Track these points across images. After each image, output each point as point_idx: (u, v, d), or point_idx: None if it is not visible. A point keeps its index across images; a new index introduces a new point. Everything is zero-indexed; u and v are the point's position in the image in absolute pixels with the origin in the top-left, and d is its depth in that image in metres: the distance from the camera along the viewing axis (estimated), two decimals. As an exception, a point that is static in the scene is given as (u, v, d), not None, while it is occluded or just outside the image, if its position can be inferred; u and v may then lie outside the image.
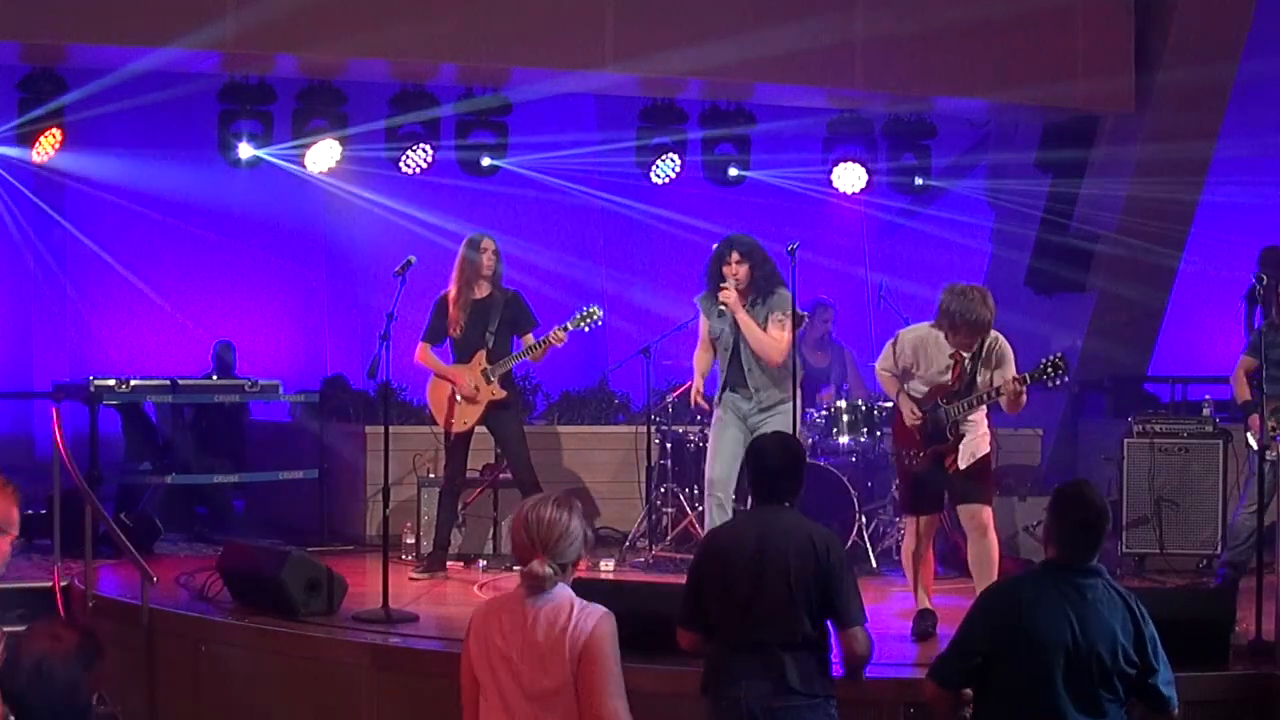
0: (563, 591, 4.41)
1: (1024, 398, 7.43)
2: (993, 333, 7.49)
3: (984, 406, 7.58)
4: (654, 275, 12.92)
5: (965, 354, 7.45)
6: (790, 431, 7.90)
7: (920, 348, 7.59)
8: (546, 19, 10.36)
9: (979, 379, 7.49)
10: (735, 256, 8.31)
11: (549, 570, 4.35)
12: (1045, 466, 11.22)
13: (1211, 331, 12.40)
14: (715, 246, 8.51)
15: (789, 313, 8.22)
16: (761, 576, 5.15)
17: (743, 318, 8.24)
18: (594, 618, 4.34)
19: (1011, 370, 7.46)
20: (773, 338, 8.22)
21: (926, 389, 7.60)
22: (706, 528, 8.40)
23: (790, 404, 8.19)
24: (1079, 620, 4.78)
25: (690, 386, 8.85)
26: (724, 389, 8.39)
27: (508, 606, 4.44)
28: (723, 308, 8.29)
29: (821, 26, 10.58)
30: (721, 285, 8.27)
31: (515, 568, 9.64)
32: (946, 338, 7.43)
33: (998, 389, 7.38)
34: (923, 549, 7.59)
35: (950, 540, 8.90)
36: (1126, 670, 4.82)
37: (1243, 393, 8.50)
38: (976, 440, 7.58)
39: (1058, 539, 4.94)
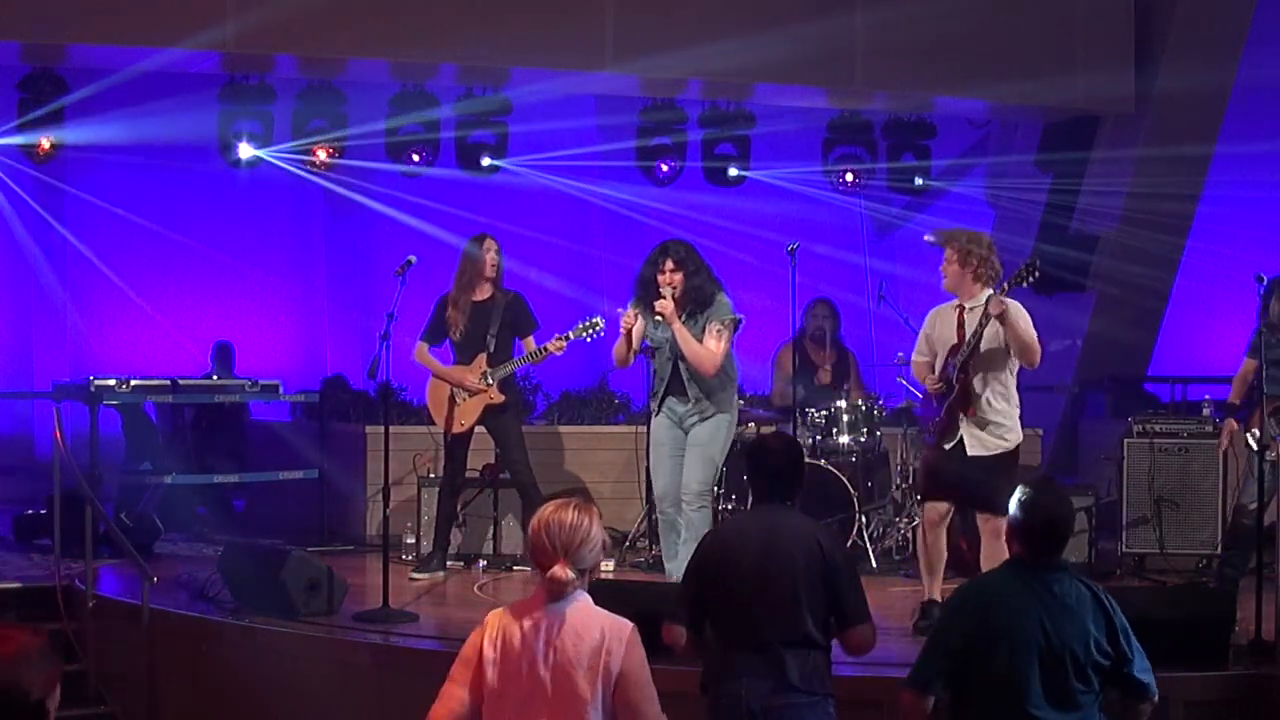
0: (584, 599, 4.41)
1: (1024, 336, 7.33)
2: (999, 299, 7.41)
3: (1009, 386, 7.54)
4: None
5: (968, 304, 7.48)
6: (725, 436, 8.15)
7: (938, 316, 7.73)
8: (546, 19, 10.36)
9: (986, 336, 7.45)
10: (670, 264, 8.00)
11: (571, 575, 4.35)
12: (1045, 466, 11.22)
13: (1211, 331, 12.40)
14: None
15: (727, 322, 8.03)
16: (767, 575, 5.16)
17: (678, 328, 7.96)
18: (625, 634, 4.35)
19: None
20: (707, 349, 7.98)
21: (942, 357, 7.61)
22: (663, 543, 8.35)
23: (728, 414, 8.16)
24: (1049, 616, 4.80)
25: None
26: (663, 395, 8.17)
27: (528, 613, 4.41)
28: (659, 318, 8.02)
29: (821, 27, 10.59)
30: (659, 294, 7.99)
31: (515, 568, 9.72)
32: (957, 285, 7.53)
33: (986, 314, 7.33)
34: (934, 537, 7.61)
35: (952, 542, 8.89)
36: (1100, 662, 4.84)
37: (1233, 398, 8.46)
38: (998, 424, 7.49)
39: (1024, 537, 4.95)
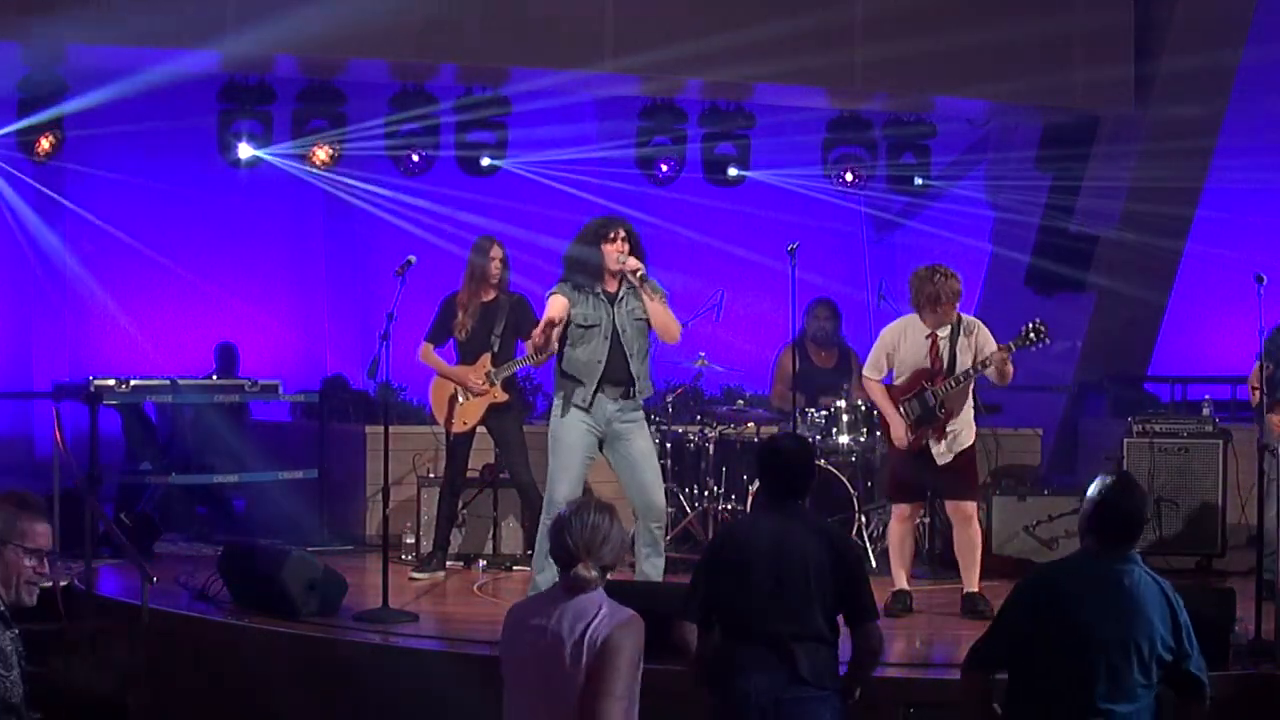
0: (600, 593, 4.54)
1: (1010, 366, 7.95)
2: (966, 316, 8.05)
3: (970, 394, 8.10)
4: (652, 275, 12.88)
5: (939, 333, 7.99)
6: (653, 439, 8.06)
7: (901, 333, 8.14)
8: (546, 19, 10.36)
9: (959, 360, 7.97)
10: (622, 233, 7.60)
11: (594, 574, 4.49)
12: (1045, 466, 11.22)
13: (1211, 331, 12.40)
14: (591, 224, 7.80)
15: (666, 294, 7.71)
16: (780, 572, 5.24)
17: (647, 292, 7.55)
18: (619, 618, 4.46)
19: (992, 345, 7.98)
20: (671, 315, 7.69)
21: (908, 376, 8.09)
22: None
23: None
24: (1116, 608, 4.83)
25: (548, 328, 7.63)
26: (594, 388, 7.61)
27: (539, 607, 4.55)
28: (639, 271, 7.51)
29: (821, 27, 10.58)
30: (604, 265, 7.55)
31: (515, 568, 9.70)
32: (925, 319, 8.00)
33: (984, 361, 7.88)
34: (903, 534, 8.18)
35: (946, 537, 8.93)
36: (1164, 656, 4.87)
37: (1255, 397, 8.53)
38: (959, 434, 8.07)
39: (1099, 528, 4.96)
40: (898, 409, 8.07)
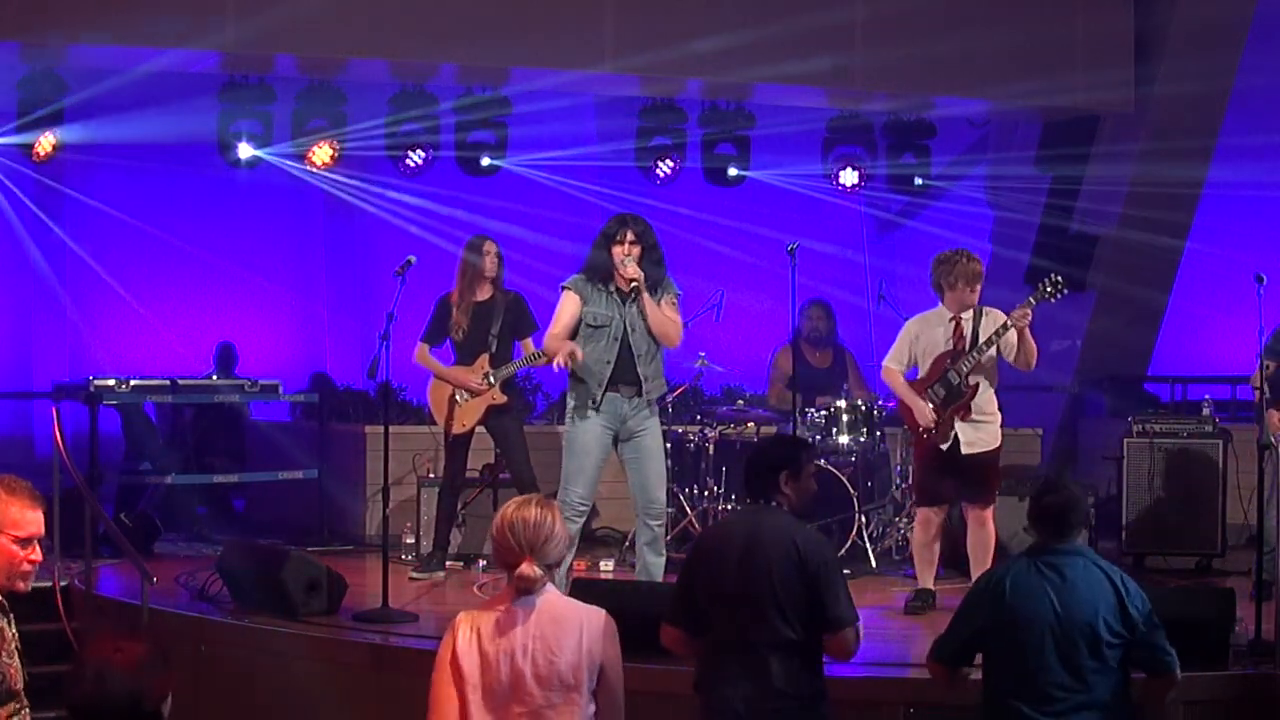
0: (551, 590, 4.50)
1: (1032, 341, 7.88)
2: (1027, 313, 7.92)
3: (994, 381, 8.04)
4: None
5: (963, 316, 8.02)
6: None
7: (925, 322, 8.17)
8: (546, 19, 10.37)
9: (981, 338, 7.97)
10: (630, 236, 7.67)
11: (539, 572, 4.42)
12: (1045, 466, 11.22)
13: (1211, 331, 12.40)
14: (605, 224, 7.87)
15: (679, 295, 7.85)
16: (746, 577, 5.13)
17: (646, 298, 7.65)
18: (601, 622, 4.47)
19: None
20: (673, 319, 7.79)
21: (931, 362, 8.08)
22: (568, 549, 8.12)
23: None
24: (1059, 598, 5.16)
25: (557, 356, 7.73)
26: (603, 390, 7.70)
27: (495, 612, 4.48)
28: (634, 282, 7.61)
29: (821, 27, 10.58)
30: (613, 267, 7.66)
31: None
32: (948, 304, 8.04)
33: (1004, 324, 7.85)
34: (931, 538, 8.14)
35: (950, 538, 8.92)
36: (1112, 641, 5.16)
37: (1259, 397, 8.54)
38: (987, 425, 8.02)
39: (1037, 523, 5.38)
40: (923, 395, 8.05)
